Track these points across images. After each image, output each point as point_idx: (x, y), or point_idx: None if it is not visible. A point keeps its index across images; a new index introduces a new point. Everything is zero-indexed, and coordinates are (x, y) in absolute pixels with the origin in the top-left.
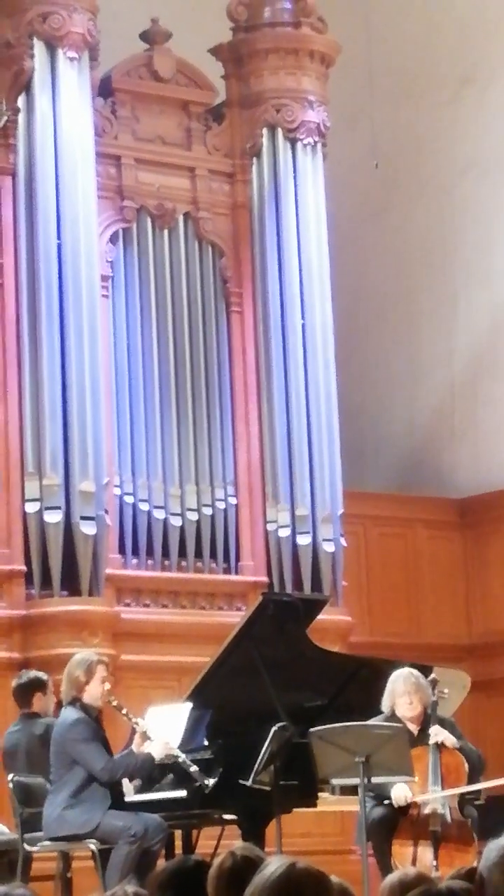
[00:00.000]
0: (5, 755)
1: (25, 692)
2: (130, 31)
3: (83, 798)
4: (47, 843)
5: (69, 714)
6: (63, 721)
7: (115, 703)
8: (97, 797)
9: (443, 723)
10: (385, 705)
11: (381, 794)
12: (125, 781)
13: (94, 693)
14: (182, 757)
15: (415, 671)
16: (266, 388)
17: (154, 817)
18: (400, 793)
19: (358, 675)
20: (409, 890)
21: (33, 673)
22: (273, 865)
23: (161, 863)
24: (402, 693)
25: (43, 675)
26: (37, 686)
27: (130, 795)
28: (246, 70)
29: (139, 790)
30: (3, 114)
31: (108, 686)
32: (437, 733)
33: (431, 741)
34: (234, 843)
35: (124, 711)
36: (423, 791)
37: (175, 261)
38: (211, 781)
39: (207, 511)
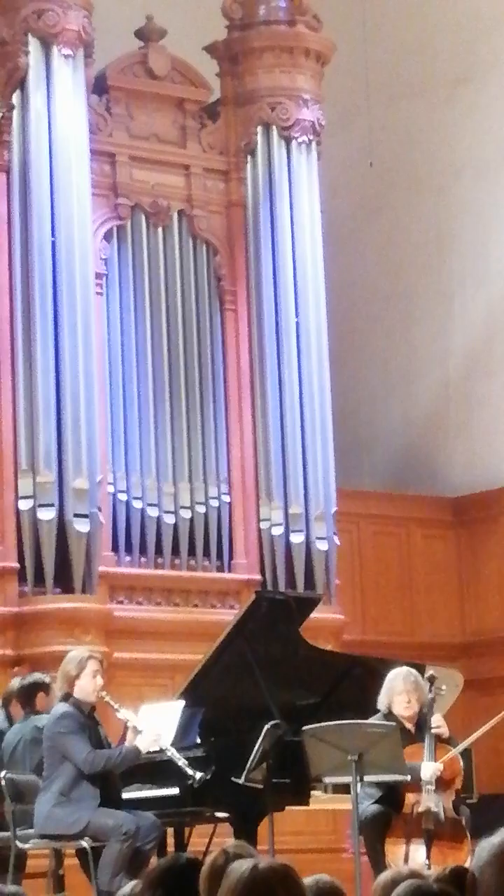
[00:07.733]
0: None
1: (29, 693)
2: (125, 29)
3: (73, 797)
4: (39, 840)
5: (57, 708)
6: (52, 715)
7: (106, 699)
8: (86, 797)
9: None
10: (382, 703)
11: (383, 785)
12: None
13: (85, 688)
14: (171, 751)
15: (413, 670)
16: (260, 386)
17: (148, 816)
18: (429, 769)
19: (351, 674)
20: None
21: (36, 675)
22: (235, 872)
23: (153, 860)
24: (400, 692)
25: (45, 677)
26: (39, 687)
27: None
28: (241, 68)
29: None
30: None
31: (100, 681)
32: (439, 724)
33: (432, 727)
34: (227, 840)
35: (115, 706)
36: (420, 782)
37: (169, 258)
38: (199, 775)
39: (201, 509)
